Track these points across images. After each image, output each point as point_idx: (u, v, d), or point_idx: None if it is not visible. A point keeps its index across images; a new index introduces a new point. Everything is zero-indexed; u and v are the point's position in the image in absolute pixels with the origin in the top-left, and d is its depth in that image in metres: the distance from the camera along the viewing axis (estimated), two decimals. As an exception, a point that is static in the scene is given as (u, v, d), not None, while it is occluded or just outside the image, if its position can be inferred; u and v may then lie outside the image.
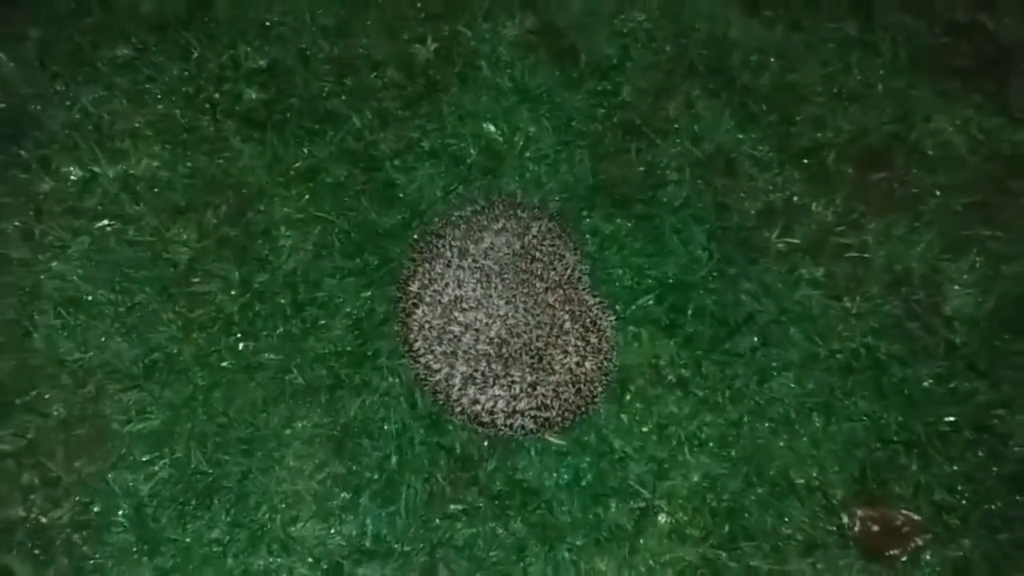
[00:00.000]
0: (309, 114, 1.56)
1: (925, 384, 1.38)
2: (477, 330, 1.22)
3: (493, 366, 1.20)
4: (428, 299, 1.27)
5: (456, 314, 1.22)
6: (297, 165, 1.50)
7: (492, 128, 1.56)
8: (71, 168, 1.47)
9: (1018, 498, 1.31)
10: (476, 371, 1.22)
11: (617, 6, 1.78)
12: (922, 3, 1.72)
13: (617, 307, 1.43)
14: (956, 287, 1.44)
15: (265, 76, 1.58)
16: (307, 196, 1.49)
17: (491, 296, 1.22)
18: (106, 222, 1.45)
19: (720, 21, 1.70)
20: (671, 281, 1.42)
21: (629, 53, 1.78)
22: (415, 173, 1.50)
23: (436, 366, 1.23)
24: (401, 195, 1.48)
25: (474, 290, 1.25)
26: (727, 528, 1.28)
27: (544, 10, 1.78)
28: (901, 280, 1.46)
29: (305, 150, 1.53)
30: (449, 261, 1.25)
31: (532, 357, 1.22)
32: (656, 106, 1.71)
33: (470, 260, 1.26)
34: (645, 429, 1.34)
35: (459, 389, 1.24)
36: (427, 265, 1.29)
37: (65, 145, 1.48)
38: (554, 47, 1.73)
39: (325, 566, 1.26)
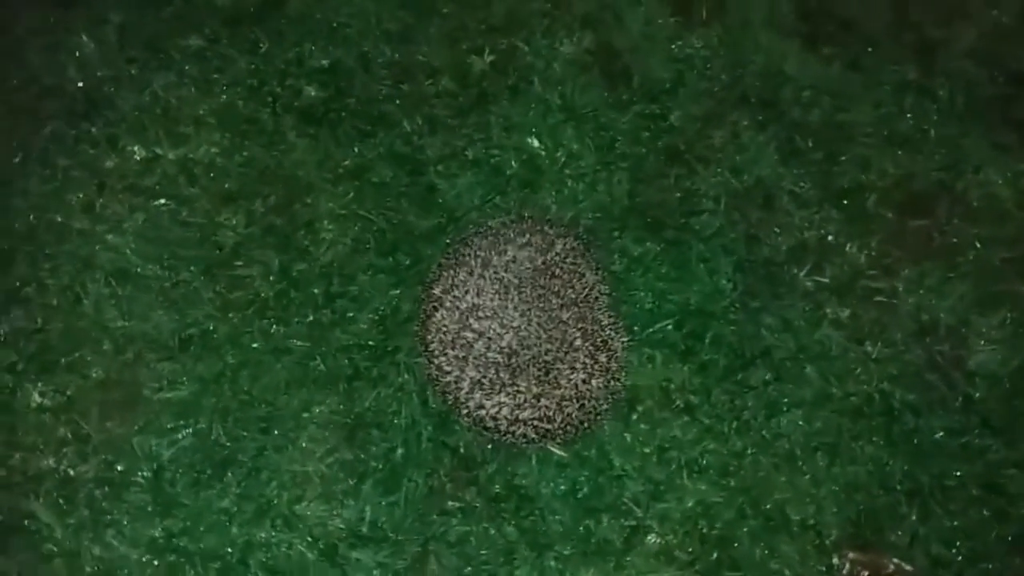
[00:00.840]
0: (363, 115, 1.93)
1: (936, 436, 1.64)
2: (490, 338, 1.53)
3: (501, 374, 1.49)
4: (448, 304, 1.58)
5: (472, 321, 1.52)
6: (346, 163, 1.88)
7: (536, 143, 1.89)
8: (136, 148, 1.86)
9: (1017, 560, 1.57)
10: (484, 377, 1.52)
11: (675, 32, 2.10)
12: (989, 52, 2.05)
13: (635, 328, 1.74)
14: (983, 342, 1.69)
15: (326, 75, 1.96)
16: (352, 193, 1.86)
17: (507, 307, 1.54)
18: (162, 201, 1.82)
19: (777, 54, 2.00)
20: (692, 308, 1.72)
21: (683, 79, 2.11)
22: (456, 180, 1.84)
23: (448, 368, 1.52)
24: (440, 200, 1.82)
25: (491, 300, 1.55)
26: (715, 555, 1.56)
27: (603, 30, 2.15)
28: (927, 330, 1.72)
29: (355, 149, 1.91)
30: (472, 270, 1.56)
31: (540, 370, 1.51)
32: (702, 133, 2.05)
33: (492, 271, 1.57)
34: (647, 450, 1.63)
35: (467, 392, 1.54)
36: (451, 271, 1.61)
37: (133, 126, 1.89)
38: (608, 68, 2.10)
39: (322, 546, 1.58)
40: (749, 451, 1.68)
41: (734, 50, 2.07)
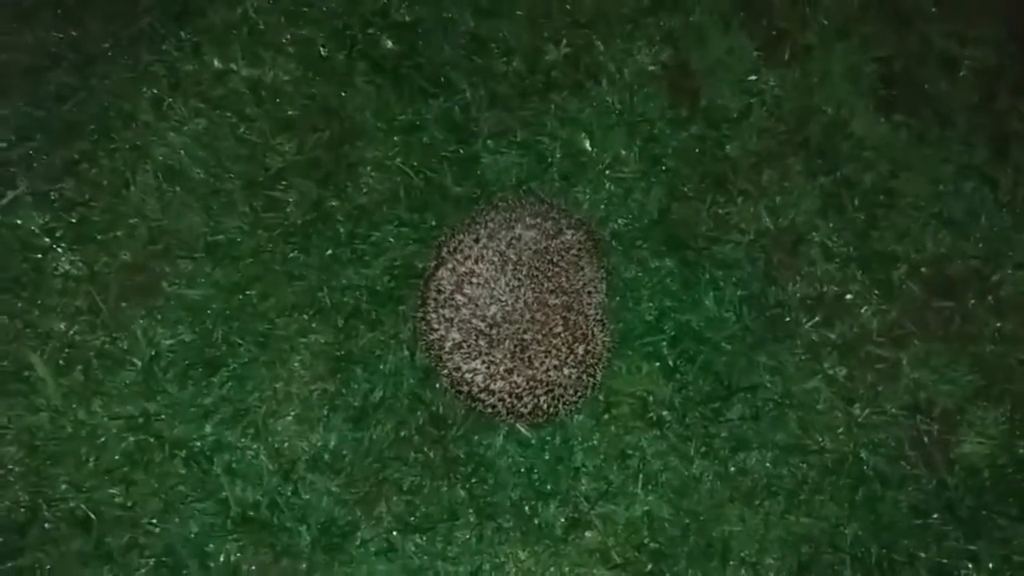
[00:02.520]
0: (429, 76, 2.19)
1: (900, 510, 1.74)
2: (477, 305, 1.76)
3: (480, 342, 1.73)
4: (450, 265, 1.82)
5: (465, 286, 1.77)
6: (402, 117, 2.15)
7: (586, 140, 2.10)
8: (215, 59, 2.16)
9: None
10: (465, 341, 1.75)
11: (754, 65, 2.31)
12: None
13: (631, 336, 1.88)
14: (974, 434, 1.83)
15: (406, 31, 2.24)
16: (399, 147, 2.13)
17: (500, 281, 1.78)
18: (226, 114, 2.13)
19: (848, 109, 2.16)
20: (690, 330, 1.92)
21: (749, 112, 2.33)
22: (500, 157, 2.07)
23: (436, 326, 1.78)
24: (479, 172, 2.06)
25: (487, 270, 1.79)
26: (648, 567, 1.78)
27: (683, 48, 2.39)
28: (921, 408, 1.86)
29: (414, 107, 2.14)
30: (478, 237, 1.82)
31: (516, 347, 1.75)
32: (753, 168, 2.28)
33: (496, 243, 1.82)
34: (610, 452, 1.85)
35: (448, 352, 1.77)
36: (461, 235, 1.84)
37: (218, 38, 2.23)
38: (677, 84, 2.32)
39: (283, 461, 1.89)
40: (709, 478, 1.84)
41: (807, 96, 2.25)
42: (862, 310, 2.07)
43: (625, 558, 1.86)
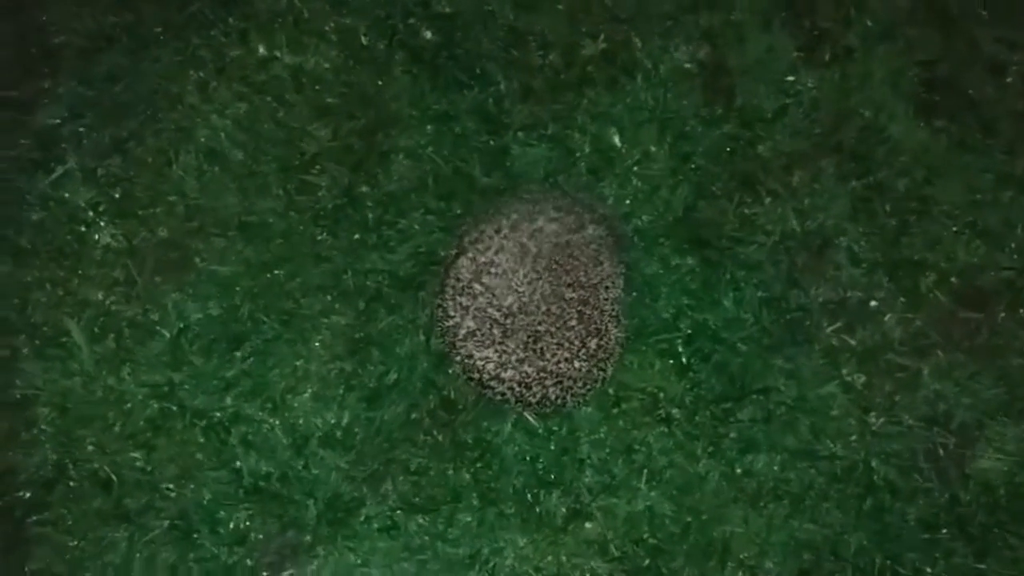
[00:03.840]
0: (465, 68, 2.27)
1: (908, 522, 1.75)
2: (494, 295, 1.83)
3: (494, 331, 1.80)
4: (470, 254, 1.91)
5: (483, 276, 1.86)
6: (436, 107, 2.25)
7: (616, 135, 2.15)
8: (260, 46, 2.33)
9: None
10: (479, 330, 1.84)
11: (793, 66, 2.32)
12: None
13: (646, 332, 1.91)
14: (992, 450, 1.83)
15: (445, 22, 2.35)
16: (431, 136, 2.20)
17: (518, 272, 1.85)
18: (267, 99, 2.19)
19: (887, 114, 2.18)
20: (707, 329, 1.97)
21: (785, 113, 2.36)
22: (529, 150, 2.15)
23: (452, 313, 1.86)
24: (508, 164, 2.14)
25: (507, 261, 1.87)
26: (646, 562, 1.85)
27: (721, 46, 2.43)
28: (939, 420, 1.88)
29: (448, 97, 2.19)
30: (500, 228, 1.88)
31: (529, 338, 1.82)
32: (784, 170, 2.31)
33: (517, 234, 1.89)
34: (616, 445, 1.89)
35: (462, 340, 1.85)
36: (483, 225, 1.91)
37: (263, 25, 2.44)
38: (713, 83, 2.35)
39: (297, 436, 1.99)
40: (714, 478, 1.89)
41: (845, 98, 2.27)
42: (886, 318, 2.07)
43: (623, 552, 1.90)
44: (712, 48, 2.42)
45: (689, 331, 2.10)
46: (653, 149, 2.32)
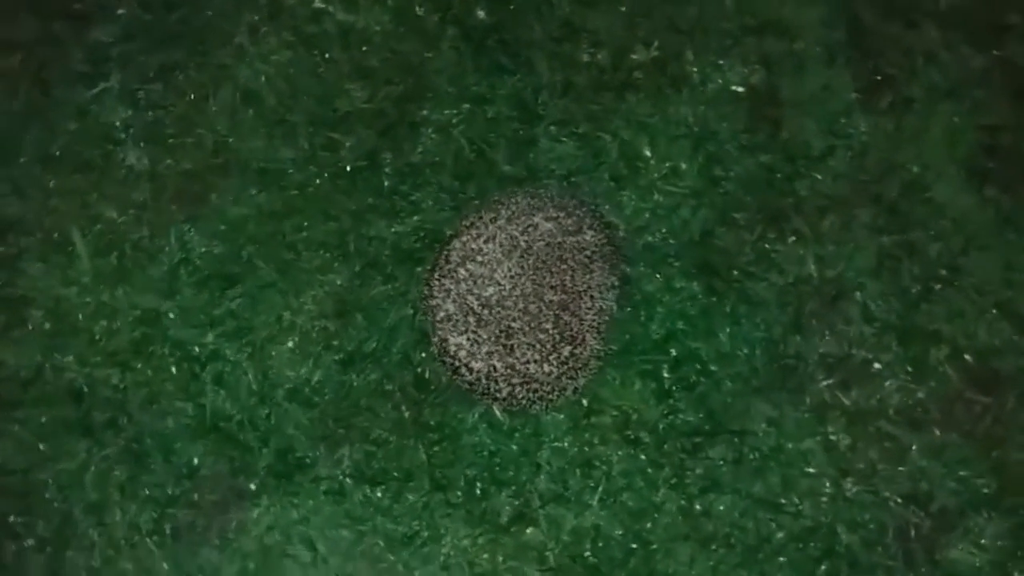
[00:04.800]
0: (512, 53, 2.30)
1: None
2: (475, 283, 1.82)
3: (469, 319, 1.83)
4: (464, 237, 1.93)
5: (469, 262, 1.87)
6: (474, 87, 2.27)
7: (647, 146, 2.11)
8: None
9: None
10: (456, 315, 1.85)
11: (849, 107, 2.31)
12: None
13: (632, 349, 1.87)
14: (968, 542, 1.74)
15: (501, 5, 2.40)
16: (463, 116, 2.20)
17: (504, 265, 1.86)
18: (314, 52, 2.21)
19: (935, 174, 2.15)
20: (696, 359, 1.89)
21: (832, 154, 2.33)
22: (557, 146, 2.16)
23: (435, 294, 1.89)
24: (532, 156, 2.15)
25: (495, 252, 1.88)
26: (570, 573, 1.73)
27: (777, 74, 2.40)
28: (919, 499, 1.86)
29: (488, 80, 2.15)
30: (496, 218, 1.88)
31: (501, 332, 1.82)
32: (817, 211, 2.26)
33: (513, 226, 1.89)
34: (577, 458, 1.81)
35: (439, 322, 1.89)
36: (483, 212, 1.90)
37: None
38: (760, 110, 2.32)
39: (267, 384, 2.05)
40: (671, 510, 1.86)
41: (896, 149, 2.22)
42: (886, 383, 2.01)
43: (560, 564, 1.89)
44: (768, 75, 2.37)
45: (677, 357, 2.06)
46: (683, 166, 2.28)
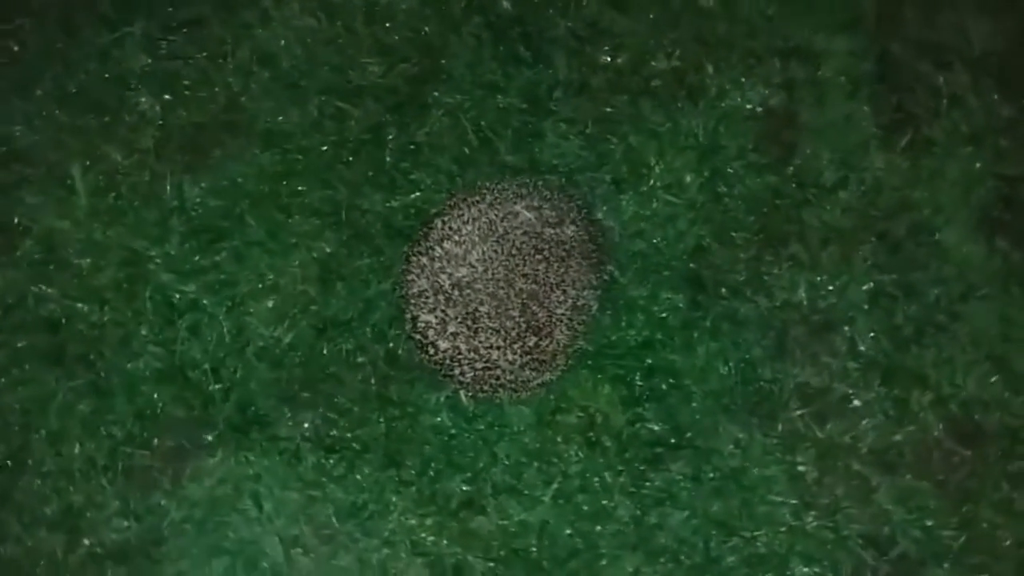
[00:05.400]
0: (532, 47, 2.41)
1: None
2: (449, 262, 1.86)
3: (439, 297, 1.86)
4: (445, 217, 1.96)
5: (446, 241, 1.90)
6: (488, 76, 2.36)
7: (653, 153, 2.15)
8: None
9: None
10: (427, 292, 1.90)
11: (866, 140, 2.35)
12: None
13: (607, 352, 1.89)
14: None
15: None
16: (475, 101, 2.30)
17: (479, 248, 1.90)
18: (337, 23, 2.29)
19: (945, 216, 2.28)
20: (670, 370, 1.89)
21: (843, 185, 2.32)
22: (563, 142, 2.22)
23: (412, 270, 1.93)
24: (536, 150, 2.22)
25: (472, 232, 1.91)
26: (514, 570, 1.74)
27: (797, 99, 2.41)
28: (879, 543, 1.87)
29: (504, 70, 2.20)
30: (479, 202, 1.95)
31: (468, 315, 1.85)
32: (818, 241, 2.25)
33: (493, 212, 1.93)
34: (537, 453, 1.83)
35: (412, 297, 1.92)
36: (470, 195, 1.96)
37: None
38: (775, 133, 2.36)
39: (241, 339, 2.16)
40: (622, 517, 1.86)
41: (909, 188, 2.27)
42: (864, 421, 2.00)
43: (502, 555, 1.90)
44: (788, 98, 2.38)
45: (651, 365, 2.08)
46: (687, 178, 2.30)
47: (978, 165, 2.31)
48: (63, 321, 2.22)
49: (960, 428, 2.05)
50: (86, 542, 2.06)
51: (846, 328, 2.13)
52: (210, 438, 2.11)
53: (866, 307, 2.16)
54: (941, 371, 2.08)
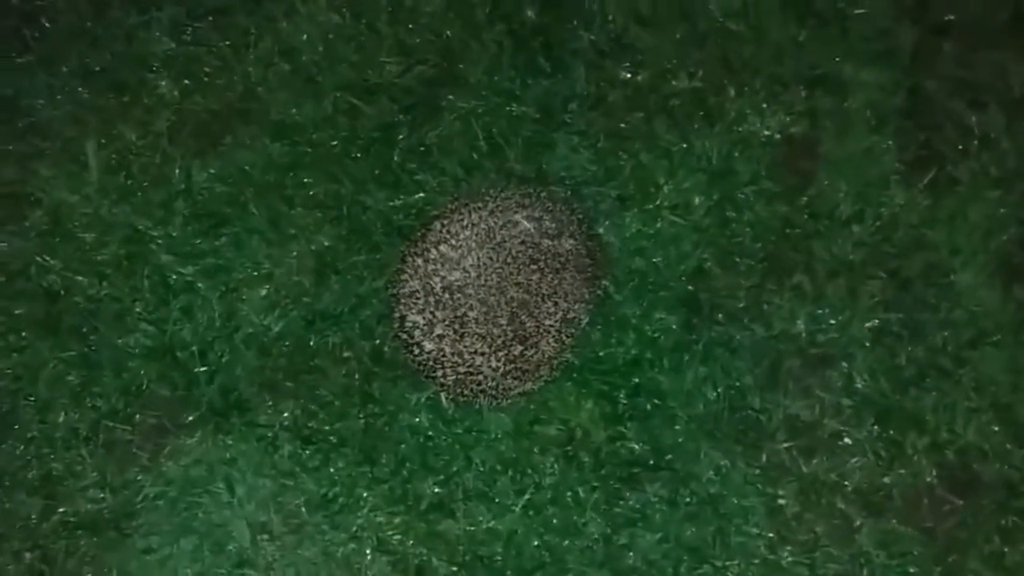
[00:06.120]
0: (552, 58, 2.50)
1: None
2: (443, 265, 1.93)
3: (429, 298, 1.94)
4: (445, 219, 2.03)
5: (443, 244, 1.97)
6: (505, 84, 2.50)
7: (663, 173, 2.20)
8: None
9: None
10: (418, 293, 1.97)
11: (885, 183, 2.37)
12: None
13: (594, 366, 1.95)
14: None
15: (553, 8, 2.58)
16: (488, 108, 2.44)
17: (474, 254, 1.97)
18: (361, 22, 2.45)
19: (962, 259, 2.28)
20: (655, 391, 1.94)
21: (859, 219, 2.34)
22: (572, 155, 2.34)
23: (405, 271, 2.00)
24: (545, 160, 2.31)
25: (470, 240, 1.98)
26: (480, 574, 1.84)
27: (821, 128, 2.44)
28: None
29: (521, 79, 2.36)
30: (479, 208, 2.02)
31: (456, 318, 1.91)
32: (827, 272, 2.27)
33: (492, 219, 1.99)
34: (512, 462, 1.90)
35: (403, 297, 1.99)
36: (472, 199, 2.04)
37: None
38: (793, 162, 2.40)
39: (232, 322, 2.24)
40: (592, 534, 1.90)
41: (927, 228, 2.24)
42: (852, 459, 2.02)
43: (466, 560, 1.95)
44: (811, 127, 2.41)
45: (637, 384, 2.11)
46: (696, 201, 2.35)
47: (1003, 210, 2.32)
48: (62, 292, 2.33)
49: (954, 476, 2.05)
50: (61, 510, 2.15)
51: (844, 364, 2.15)
52: (191, 418, 2.19)
53: (868, 344, 2.17)
54: (940, 416, 2.08)
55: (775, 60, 2.52)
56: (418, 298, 2.08)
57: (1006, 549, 1.96)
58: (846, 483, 2.04)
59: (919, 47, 2.50)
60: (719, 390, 2.11)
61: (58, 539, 2.13)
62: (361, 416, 2.16)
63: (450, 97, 2.51)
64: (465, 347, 1.98)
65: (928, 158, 2.39)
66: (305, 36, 2.60)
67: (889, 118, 2.44)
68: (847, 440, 2.08)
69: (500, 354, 1.95)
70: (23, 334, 2.30)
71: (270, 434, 2.17)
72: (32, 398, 2.24)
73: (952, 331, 2.17)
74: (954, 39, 2.49)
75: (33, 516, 2.11)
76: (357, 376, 2.21)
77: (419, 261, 2.11)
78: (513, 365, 1.96)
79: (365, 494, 2.10)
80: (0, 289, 2.33)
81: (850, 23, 2.48)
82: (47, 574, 2.04)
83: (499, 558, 2.01)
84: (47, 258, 2.37)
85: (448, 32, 2.59)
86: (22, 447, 2.21)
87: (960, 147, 2.39)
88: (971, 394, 2.11)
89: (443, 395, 2.14)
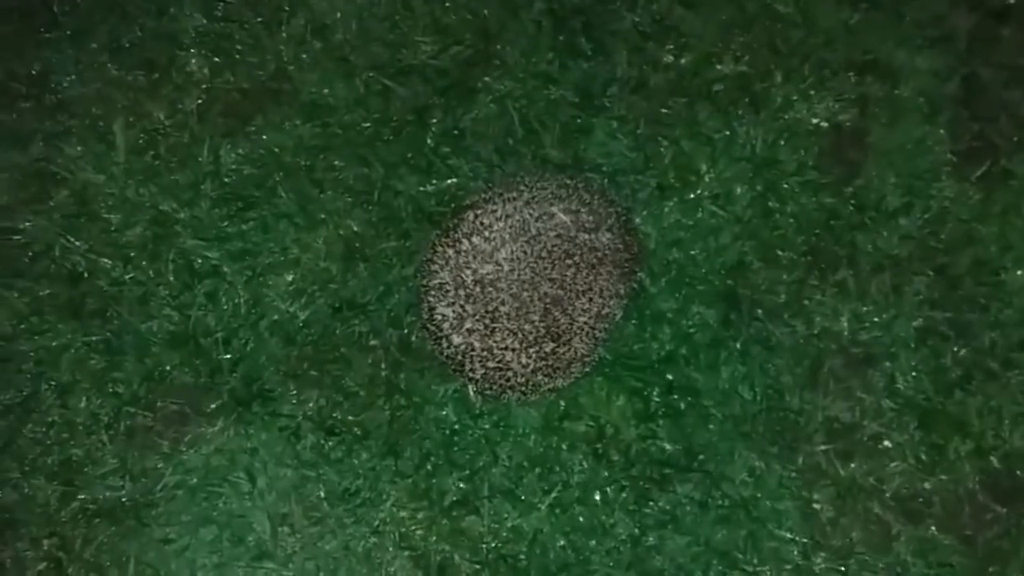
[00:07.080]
0: (594, 39, 2.55)
1: None
2: (475, 257, 1.96)
3: (460, 291, 1.96)
4: (478, 210, 2.04)
5: (475, 236, 1.99)
6: (542, 67, 2.53)
7: (705, 160, 2.21)
8: None
9: None
10: (448, 284, 1.98)
11: (938, 169, 2.37)
12: None
13: (628, 362, 1.97)
14: None
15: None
16: (526, 91, 2.44)
17: (508, 247, 1.98)
18: (398, 6, 2.34)
19: (1013, 256, 2.30)
20: (690, 389, 1.95)
21: (907, 211, 2.35)
22: (610, 142, 2.35)
23: (436, 261, 2.01)
24: (582, 146, 2.34)
25: (502, 230, 1.99)
26: (503, 573, 1.86)
27: (871, 116, 2.44)
28: None
29: (561, 61, 2.37)
30: (515, 198, 2.03)
31: (487, 312, 1.93)
32: (870, 269, 2.28)
33: (530, 209, 2.00)
34: (539, 459, 1.92)
35: (433, 288, 2.01)
36: (506, 189, 2.05)
37: None
38: (840, 151, 2.42)
39: (256, 306, 2.30)
40: (619, 535, 1.92)
41: (978, 222, 2.26)
42: (892, 463, 2.03)
43: (489, 559, 1.98)
44: (860, 115, 2.40)
45: (671, 382, 2.13)
46: (738, 191, 2.35)
47: (1069, 213, 2.30)
48: (85, 275, 2.39)
49: (998, 483, 2.05)
50: (80, 496, 2.21)
51: (887, 364, 2.16)
52: (213, 407, 2.25)
53: (912, 344, 2.17)
54: (986, 420, 2.08)
55: (825, 45, 2.51)
56: (448, 290, 2.11)
57: (1049, 564, 1.95)
58: (885, 488, 2.05)
59: (975, 33, 2.49)
60: (756, 389, 2.12)
61: (76, 526, 2.18)
62: (386, 408, 2.20)
63: (486, 79, 2.53)
64: (495, 343, 2.00)
65: (981, 150, 2.37)
66: (339, 14, 2.63)
67: (942, 107, 2.42)
68: (887, 443, 2.08)
69: (531, 351, 1.97)
70: (46, 316, 2.36)
71: (293, 424, 2.22)
72: (53, 382, 2.30)
73: (1001, 332, 2.17)
74: (1013, 25, 2.48)
75: (52, 502, 2.14)
76: (383, 366, 2.25)
77: (450, 252, 2.13)
78: (544, 362, 1.98)
79: (388, 488, 2.15)
80: (23, 270, 2.40)
81: (904, 7, 2.47)
82: (64, 561, 2.09)
83: (523, 557, 2.05)
84: (71, 239, 2.43)
85: (485, 11, 2.61)
86: (43, 431, 2.28)
87: (1015, 139, 2.37)
88: (1019, 397, 2.11)
89: (470, 388, 2.17)
